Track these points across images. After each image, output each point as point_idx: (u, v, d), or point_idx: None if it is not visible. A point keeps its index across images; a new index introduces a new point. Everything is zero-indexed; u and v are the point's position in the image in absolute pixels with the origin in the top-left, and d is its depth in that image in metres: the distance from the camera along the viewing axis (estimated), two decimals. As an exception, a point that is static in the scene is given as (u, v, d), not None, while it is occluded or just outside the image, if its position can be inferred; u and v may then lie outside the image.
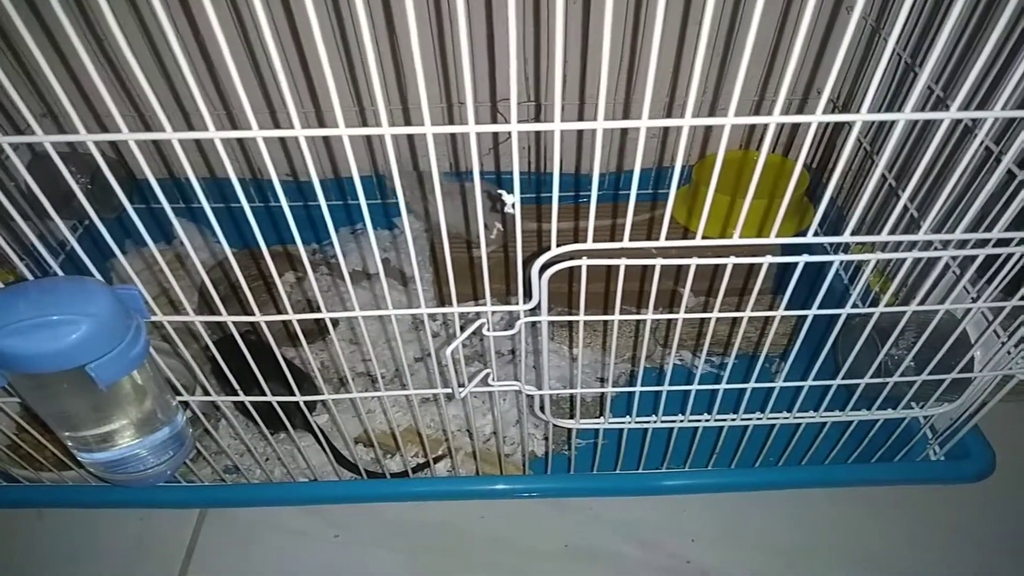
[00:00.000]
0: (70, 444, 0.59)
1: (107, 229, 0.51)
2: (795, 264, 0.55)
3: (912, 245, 0.57)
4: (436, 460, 0.89)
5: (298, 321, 0.59)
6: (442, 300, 1.10)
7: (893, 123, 0.45)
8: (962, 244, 0.56)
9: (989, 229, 0.54)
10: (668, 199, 0.52)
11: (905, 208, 0.84)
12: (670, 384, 0.69)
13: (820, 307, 0.59)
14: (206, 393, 0.68)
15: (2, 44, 0.98)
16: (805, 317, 0.61)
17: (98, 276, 0.53)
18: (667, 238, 0.52)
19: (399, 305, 1.11)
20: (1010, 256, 0.56)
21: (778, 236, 0.52)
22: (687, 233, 1.05)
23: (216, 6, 0.37)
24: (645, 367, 1.02)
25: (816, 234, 0.55)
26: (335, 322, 1.05)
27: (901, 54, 0.85)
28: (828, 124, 0.99)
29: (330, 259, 1.17)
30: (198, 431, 0.80)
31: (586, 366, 1.02)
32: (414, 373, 1.03)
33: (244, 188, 0.49)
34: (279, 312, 0.58)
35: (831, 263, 0.56)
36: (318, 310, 0.57)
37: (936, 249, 0.57)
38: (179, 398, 0.64)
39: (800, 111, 1.07)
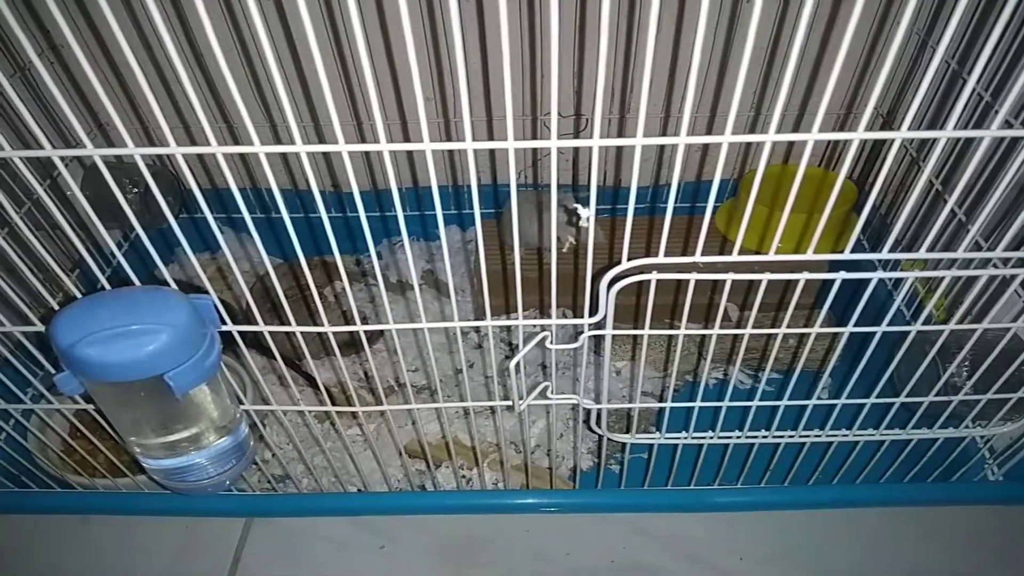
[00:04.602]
0: (137, 451, 0.59)
1: (160, 236, 0.51)
2: (858, 280, 0.54)
3: (972, 264, 0.56)
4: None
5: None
6: (508, 311, 1.10)
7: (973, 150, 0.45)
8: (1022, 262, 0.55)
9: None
10: (744, 216, 0.51)
11: (960, 221, 0.84)
12: (728, 400, 0.68)
13: (870, 322, 0.59)
14: (264, 399, 0.68)
15: (96, 48, 1.00)
16: (856, 333, 0.60)
17: (171, 280, 0.54)
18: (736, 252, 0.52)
19: (440, 317, 1.12)
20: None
21: (833, 252, 0.52)
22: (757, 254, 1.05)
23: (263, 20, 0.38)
24: (690, 382, 1.02)
25: (861, 250, 0.55)
26: (379, 332, 1.05)
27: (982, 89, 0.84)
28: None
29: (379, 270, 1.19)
30: (253, 437, 0.80)
31: (636, 378, 1.02)
32: (459, 384, 1.03)
33: (326, 198, 0.49)
34: (345, 319, 0.59)
35: (898, 281, 0.55)
36: (366, 319, 0.57)
37: (996, 266, 0.57)
38: (241, 407, 0.64)
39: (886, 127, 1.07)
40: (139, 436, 0.58)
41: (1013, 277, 0.56)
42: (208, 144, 0.44)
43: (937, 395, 0.68)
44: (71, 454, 0.80)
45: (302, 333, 0.59)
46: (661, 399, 1.00)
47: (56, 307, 0.51)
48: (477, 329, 1.10)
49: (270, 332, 0.59)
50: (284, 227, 0.50)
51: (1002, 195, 0.50)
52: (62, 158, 0.47)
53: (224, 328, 0.56)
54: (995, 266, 0.63)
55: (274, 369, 1.01)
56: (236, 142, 1.07)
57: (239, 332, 0.58)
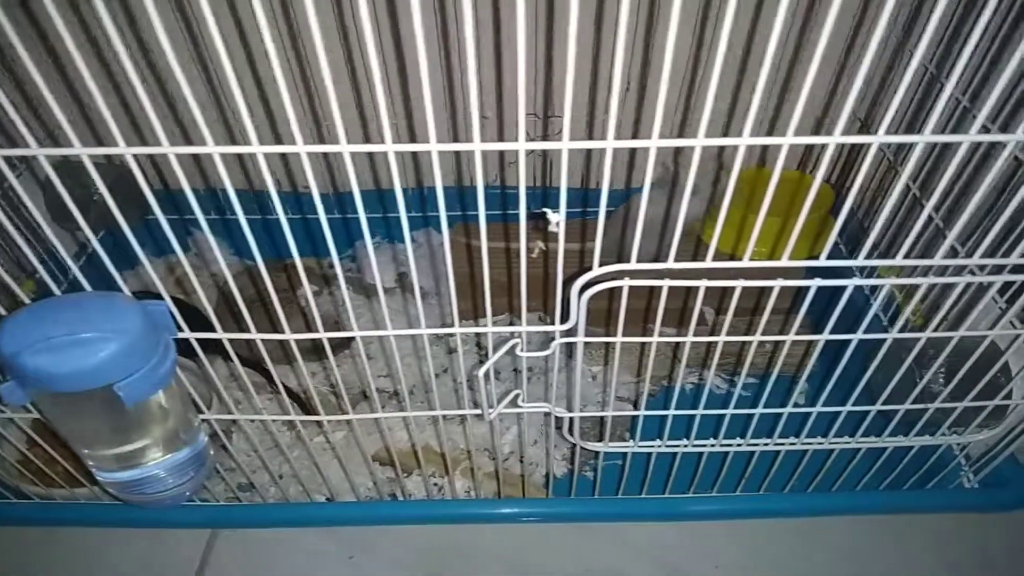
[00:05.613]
0: (90, 463, 0.57)
1: (122, 240, 0.49)
2: (834, 286, 0.54)
3: (949, 270, 0.56)
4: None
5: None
6: (476, 315, 1.08)
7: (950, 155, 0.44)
8: (999, 269, 0.55)
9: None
10: (718, 220, 0.50)
11: (937, 227, 0.83)
12: (703, 407, 0.67)
13: (849, 326, 0.58)
14: (225, 407, 0.66)
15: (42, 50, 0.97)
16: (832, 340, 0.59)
17: (124, 287, 0.51)
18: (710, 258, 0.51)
19: (416, 321, 1.10)
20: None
21: (808, 257, 0.51)
22: (732, 257, 1.04)
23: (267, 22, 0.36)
24: (666, 387, 1.01)
25: (839, 254, 0.54)
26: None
27: (937, 73, 0.84)
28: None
29: (346, 271, 1.16)
30: (214, 446, 0.78)
31: (609, 384, 1.01)
32: (430, 391, 1.01)
33: (283, 202, 0.47)
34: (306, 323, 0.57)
35: (875, 288, 0.54)
36: (337, 324, 0.55)
37: (972, 273, 0.56)
38: (200, 416, 0.62)
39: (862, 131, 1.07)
40: (92, 448, 0.55)
41: (990, 284, 0.55)
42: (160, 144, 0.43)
43: (913, 402, 0.67)
44: (27, 464, 0.77)
45: (265, 340, 0.57)
46: (637, 404, 0.98)
47: (3, 313, 0.49)
48: (450, 334, 1.08)
49: (239, 338, 0.57)
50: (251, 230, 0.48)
51: (980, 201, 0.49)
52: (7, 159, 0.45)
53: (180, 335, 0.54)
54: (972, 273, 0.63)
55: (235, 377, 0.98)
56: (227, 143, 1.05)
57: (199, 339, 0.56)
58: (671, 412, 0.67)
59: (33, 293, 0.55)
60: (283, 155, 0.89)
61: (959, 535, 0.84)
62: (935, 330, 0.59)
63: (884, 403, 0.67)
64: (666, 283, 0.53)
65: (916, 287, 0.57)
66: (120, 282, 0.52)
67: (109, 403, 0.49)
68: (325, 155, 1.10)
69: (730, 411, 0.66)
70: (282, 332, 0.56)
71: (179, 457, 0.59)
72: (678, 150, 1.12)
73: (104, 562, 0.85)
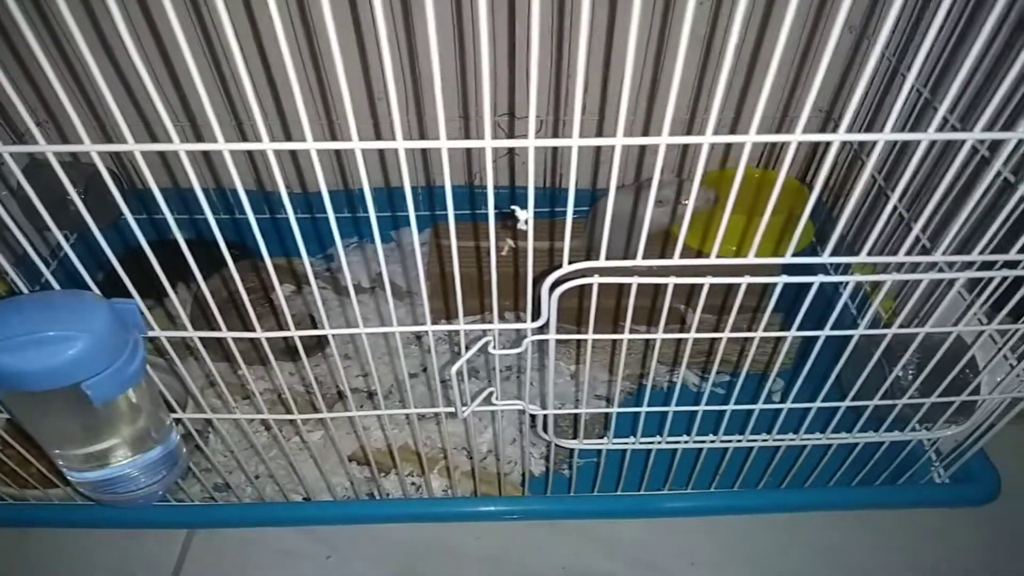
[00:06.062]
0: (60, 463, 0.57)
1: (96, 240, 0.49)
2: (802, 283, 0.54)
3: (920, 267, 0.56)
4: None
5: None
6: (448, 314, 1.08)
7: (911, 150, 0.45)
8: (966, 265, 0.55)
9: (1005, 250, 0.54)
10: (684, 218, 0.51)
11: (911, 228, 0.84)
12: (675, 404, 0.67)
13: (820, 320, 0.58)
14: (199, 407, 0.66)
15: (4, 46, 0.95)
16: (803, 336, 0.60)
17: (94, 287, 0.51)
18: (680, 256, 0.51)
19: (391, 320, 1.10)
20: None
21: (774, 253, 0.51)
22: (700, 253, 1.04)
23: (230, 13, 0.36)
24: (644, 385, 1.01)
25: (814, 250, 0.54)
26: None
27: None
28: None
29: (325, 271, 1.16)
30: (189, 447, 0.78)
31: (583, 382, 1.01)
32: (405, 390, 1.01)
33: (251, 199, 0.47)
34: (279, 324, 0.57)
35: (843, 284, 0.55)
36: (315, 323, 0.55)
37: (941, 270, 0.57)
38: (172, 415, 0.62)
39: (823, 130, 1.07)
40: (62, 448, 0.55)
41: (957, 279, 0.56)
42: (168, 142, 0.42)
43: (883, 398, 0.68)
44: (0, 465, 0.77)
45: (238, 340, 0.57)
46: (612, 401, 0.99)
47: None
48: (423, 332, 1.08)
49: (210, 338, 0.57)
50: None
51: (943, 196, 0.50)
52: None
53: (151, 334, 0.54)
54: (940, 269, 0.64)
55: (212, 383, 0.98)
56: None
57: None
58: (643, 409, 0.68)
59: (6, 294, 0.55)
60: (249, 153, 0.88)
61: (931, 530, 0.85)
62: (901, 326, 0.60)
63: (854, 399, 0.68)
64: (635, 280, 0.54)
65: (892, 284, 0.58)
66: (91, 283, 0.52)
67: (78, 402, 0.49)
68: (293, 154, 1.10)
69: (702, 407, 0.67)
70: (268, 334, 0.56)
71: (151, 456, 0.59)
72: (643, 154, 1.13)
73: (79, 563, 0.84)
